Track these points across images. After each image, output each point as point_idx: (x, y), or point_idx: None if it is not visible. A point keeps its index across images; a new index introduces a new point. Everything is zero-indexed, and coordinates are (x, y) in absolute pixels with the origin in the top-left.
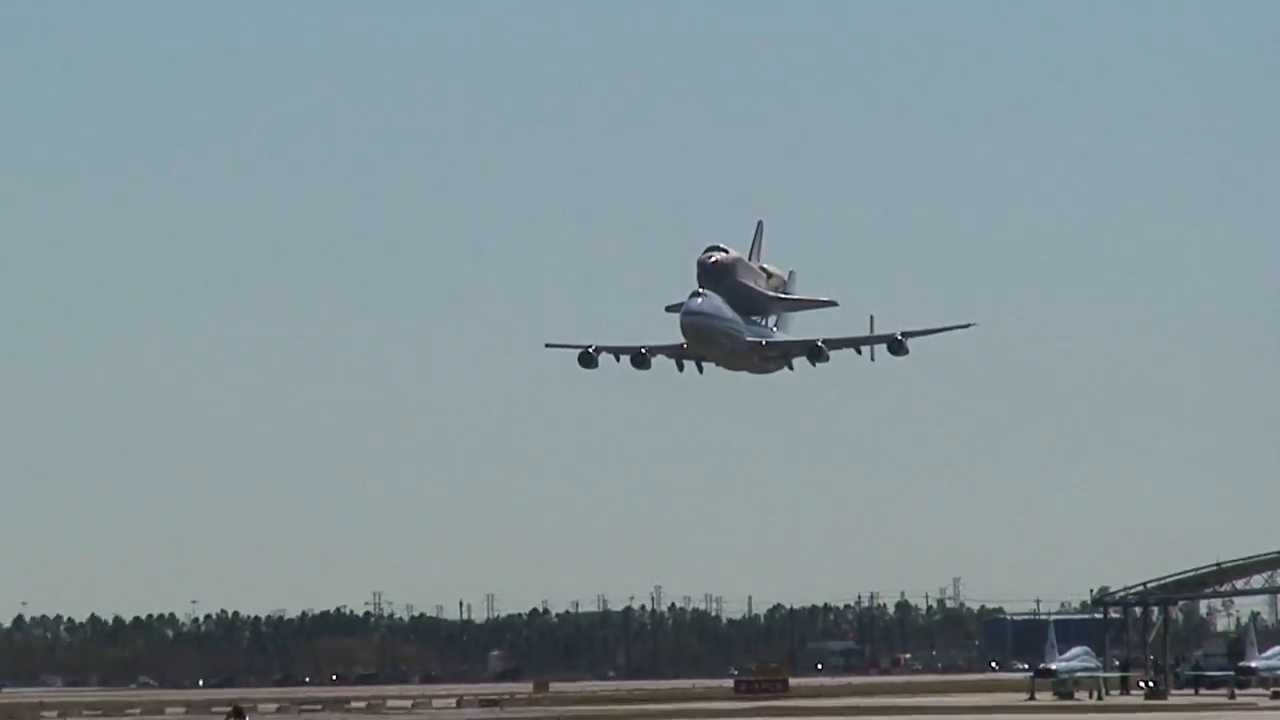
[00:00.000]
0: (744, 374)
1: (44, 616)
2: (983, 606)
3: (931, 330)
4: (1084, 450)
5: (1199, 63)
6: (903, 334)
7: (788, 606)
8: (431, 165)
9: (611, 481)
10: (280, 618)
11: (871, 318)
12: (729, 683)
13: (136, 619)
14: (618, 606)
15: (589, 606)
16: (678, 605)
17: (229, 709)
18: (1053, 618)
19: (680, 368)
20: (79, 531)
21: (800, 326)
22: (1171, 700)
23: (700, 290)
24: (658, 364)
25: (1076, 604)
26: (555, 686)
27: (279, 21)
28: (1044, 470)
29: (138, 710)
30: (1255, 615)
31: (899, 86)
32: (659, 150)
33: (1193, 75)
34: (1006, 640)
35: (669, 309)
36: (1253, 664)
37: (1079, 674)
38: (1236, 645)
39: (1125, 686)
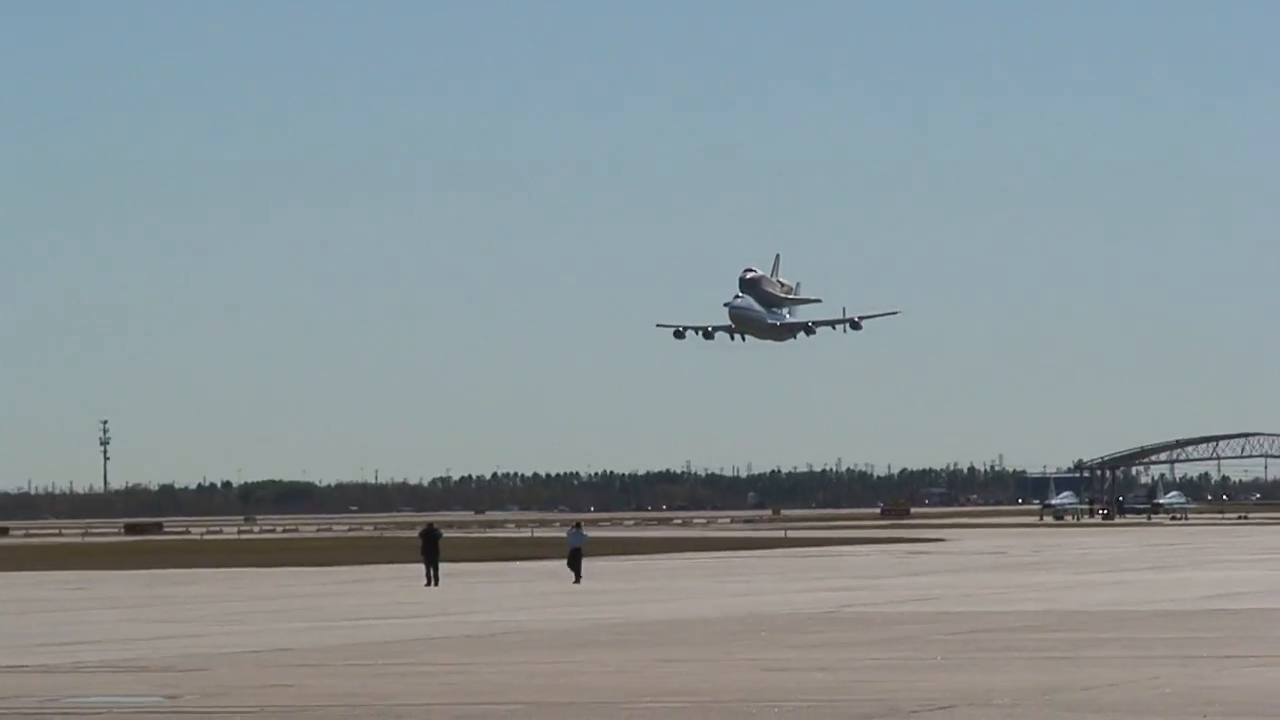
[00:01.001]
0: (770, 342)
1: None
2: (1015, 469)
3: (873, 315)
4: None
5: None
6: (859, 318)
7: (909, 469)
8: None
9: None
10: (612, 473)
11: (844, 309)
12: (877, 510)
13: None
14: (818, 468)
15: (801, 469)
16: (853, 468)
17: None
18: (1053, 476)
19: (732, 339)
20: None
21: (800, 316)
22: (1116, 522)
23: (740, 294)
24: (719, 337)
25: (1066, 467)
26: (785, 512)
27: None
28: (1051, 375)
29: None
30: (1162, 475)
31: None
32: (711, 196)
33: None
34: (1028, 489)
35: (725, 305)
36: (1160, 501)
37: (1067, 506)
38: (1152, 491)
39: (1092, 514)
